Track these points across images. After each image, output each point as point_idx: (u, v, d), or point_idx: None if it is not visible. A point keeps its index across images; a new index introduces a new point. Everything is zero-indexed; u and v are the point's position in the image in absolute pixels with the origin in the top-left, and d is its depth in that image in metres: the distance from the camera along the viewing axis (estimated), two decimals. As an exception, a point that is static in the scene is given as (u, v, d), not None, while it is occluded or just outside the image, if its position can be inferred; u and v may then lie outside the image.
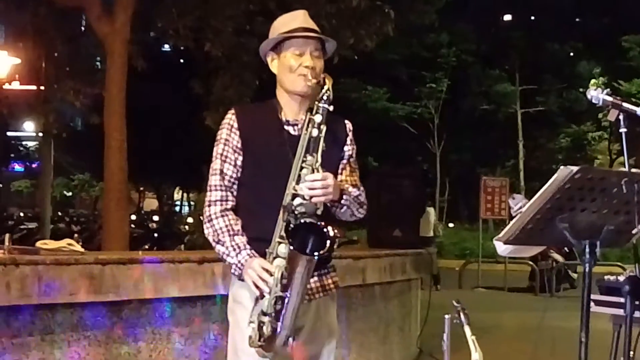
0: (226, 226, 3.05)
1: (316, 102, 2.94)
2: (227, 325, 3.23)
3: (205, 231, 3.10)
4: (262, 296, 2.86)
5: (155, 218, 33.18)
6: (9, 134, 39.33)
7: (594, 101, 2.99)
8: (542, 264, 17.01)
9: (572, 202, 2.73)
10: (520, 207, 2.93)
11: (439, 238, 18.60)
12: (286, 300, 2.82)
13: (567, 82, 35.68)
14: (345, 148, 3.22)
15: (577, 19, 39.92)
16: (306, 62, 3.06)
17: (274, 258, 2.87)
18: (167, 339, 4.79)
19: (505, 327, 11.07)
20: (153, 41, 17.57)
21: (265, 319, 2.83)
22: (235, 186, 3.12)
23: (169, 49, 25.11)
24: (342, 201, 3.04)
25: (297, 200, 2.84)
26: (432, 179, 34.47)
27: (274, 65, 3.17)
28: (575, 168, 2.64)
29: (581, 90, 31.44)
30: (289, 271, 2.81)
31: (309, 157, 2.88)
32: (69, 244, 4.62)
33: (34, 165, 39.71)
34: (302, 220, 2.80)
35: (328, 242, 2.78)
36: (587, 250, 2.83)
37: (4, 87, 18.17)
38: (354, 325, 6.68)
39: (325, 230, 2.79)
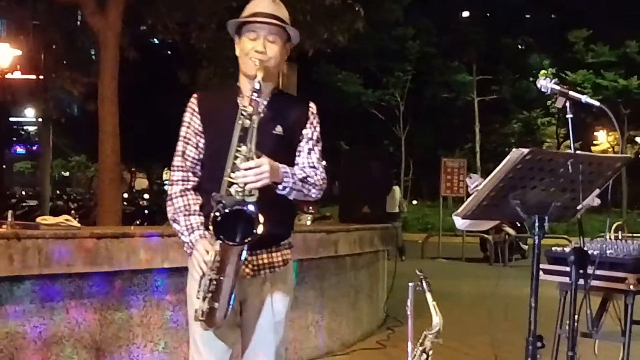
0: (184, 205, 2.95)
1: (247, 95, 2.82)
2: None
3: (167, 209, 3.01)
4: (203, 275, 2.78)
5: (146, 196, 32.91)
6: (12, 119, 38.87)
7: (543, 90, 2.98)
8: (496, 237, 17.10)
9: (523, 181, 2.73)
10: (477, 186, 2.92)
11: (403, 214, 18.61)
12: (221, 282, 2.74)
13: (519, 72, 35.86)
14: (304, 131, 3.04)
15: (528, 16, 40.06)
16: (257, 46, 2.92)
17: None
18: (157, 306, 4.79)
19: (463, 294, 11.15)
20: (143, 34, 17.39)
21: (207, 296, 2.75)
22: (198, 167, 3.01)
23: (157, 42, 24.88)
24: (283, 183, 2.88)
25: (234, 188, 2.70)
26: (398, 160, 34.56)
27: (237, 48, 3.04)
28: (526, 150, 2.64)
29: (532, 80, 31.69)
30: (221, 255, 2.72)
31: (242, 147, 2.73)
32: (67, 220, 4.60)
33: (34, 148, 39.33)
34: (227, 210, 2.65)
35: (259, 226, 2.64)
36: (537, 224, 2.84)
37: (7, 76, 17.99)
38: (327, 292, 6.70)
39: (250, 214, 2.65)
